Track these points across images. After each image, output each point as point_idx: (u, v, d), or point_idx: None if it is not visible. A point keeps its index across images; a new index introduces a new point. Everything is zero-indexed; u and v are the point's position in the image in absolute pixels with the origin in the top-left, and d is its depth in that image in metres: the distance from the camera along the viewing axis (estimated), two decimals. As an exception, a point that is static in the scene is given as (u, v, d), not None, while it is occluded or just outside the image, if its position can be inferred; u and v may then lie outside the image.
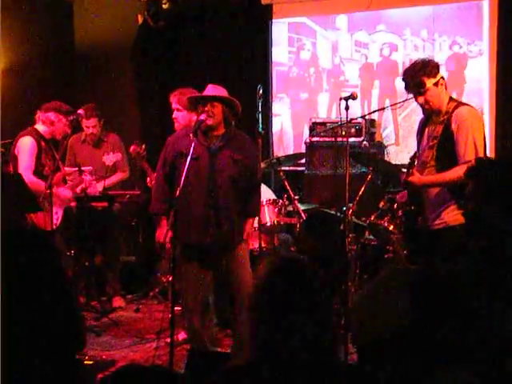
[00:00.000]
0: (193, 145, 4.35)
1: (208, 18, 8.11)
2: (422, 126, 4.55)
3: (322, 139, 6.96)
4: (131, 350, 5.36)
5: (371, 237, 5.79)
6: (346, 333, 4.39)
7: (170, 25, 8.31)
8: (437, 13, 7.36)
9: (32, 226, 5.45)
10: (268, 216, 5.83)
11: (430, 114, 4.44)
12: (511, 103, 6.94)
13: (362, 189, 5.78)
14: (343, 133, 5.66)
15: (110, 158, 6.18)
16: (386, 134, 7.51)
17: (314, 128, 7.16)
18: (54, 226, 5.70)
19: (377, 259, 5.70)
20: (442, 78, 4.36)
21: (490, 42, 7.07)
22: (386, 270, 1.79)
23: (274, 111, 8.15)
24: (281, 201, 6.13)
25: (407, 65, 4.56)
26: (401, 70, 7.26)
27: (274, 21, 8.08)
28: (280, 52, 8.15)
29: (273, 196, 6.24)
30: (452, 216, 4.26)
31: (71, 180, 5.96)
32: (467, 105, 4.44)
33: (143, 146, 5.82)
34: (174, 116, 5.33)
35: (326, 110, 7.93)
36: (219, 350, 5.09)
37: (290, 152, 7.76)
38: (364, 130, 6.89)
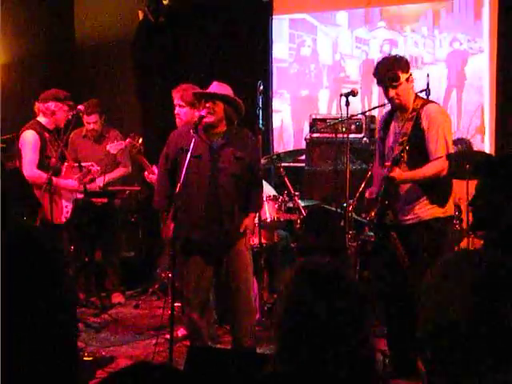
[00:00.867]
0: (193, 141, 4.36)
1: (208, 13, 8.10)
2: (385, 122, 4.61)
3: (322, 135, 6.96)
4: (131, 347, 5.36)
5: (371, 233, 5.79)
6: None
7: (171, 21, 8.30)
8: (437, 9, 7.35)
9: (41, 221, 5.39)
10: (268, 212, 5.83)
11: (393, 111, 4.51)
12: (511, 100, 6.94)
13: (362, 185, 5.77)
14: (343, 129, 5.67)
15: (114, 146, 6.10)
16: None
17: (315, 124, 7.16)
18: (65, 219, 5.69)
19: (376, 256, 5.69)
20: (411, 74, 4.44)
21: (490, 39, 7.06)
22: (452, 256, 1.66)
23: (274, 107, 8.15)
24: (281, 197, 6.13)
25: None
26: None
27: (274, 17, 8.07)
28: (280, 48, 8.14)
29: (273, 192, 6.24)
30: (425, 211, 4.40)
31: (76, 173, 5.93)
32: (434, 102, 4.57)
33: (139, 140, 5.80)
34: (176, 112, 5.33)
35: (326, 106, 7.93)
36: (219, 346, 5.10)
37: (291, 148, 7.75)
38: (364, 126, 6.89)
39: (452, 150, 4.49)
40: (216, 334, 5.31)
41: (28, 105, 6.13)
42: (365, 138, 6.82)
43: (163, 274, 6.62)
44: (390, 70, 4.35)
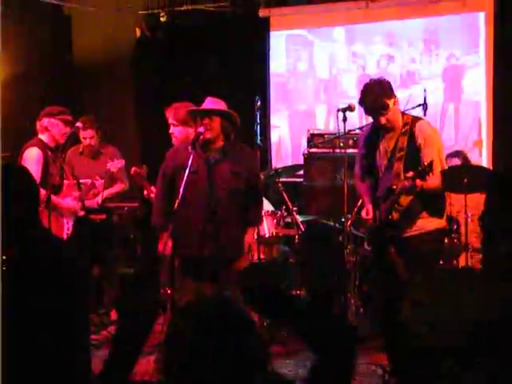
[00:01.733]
0: (191, 158, 4.37)
1: (206, 30, 8.14)
2: (370, 139, 4.65)
3: (320, 150, 6.96)
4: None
5: (370, 248, 5.79)
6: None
7: (168, 37, 8.34)
8: (433, 24, 7.39)
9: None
10: (266, 227, 5.83)
11: (378, 127, 4.57)
12: (508, 113, 6.96)
13: (360, 200, 5.78)
14: (341, 144, 5.68)
15: (114, 165, 6.10)
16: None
17: (312, 139, 7.16)
18: (66, 235, 5.68)
19: (375, 270, 5.68)
20: (396, 96, 4.50)
21: (486, 54, 7.09)
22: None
23: (272, 123, 8.17)
24: (279, 212, 6.13)
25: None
26: (398, 82, 7.30)
27: (271, 33, 8.10)
28: (278, 64, 8.17)
29: (271, 207, 6.24)
30: (427, 223, 4.52)
31: (75, 191, 5.92)
32: (422, 118, 4.66)
33: (144, 167, 5.82)
34: (170, 131, 5.33)
35: (323, 121, 7.94)
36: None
37: (289, 163, 7.75)
38: (362, 141, 6.89)
39: (445, 166, 4.63)
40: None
41: (26, 122, 6.14)
42: (362, 153, 6.82)
43: (162, 291, 6.60)
44: (376, 100, 4.38)
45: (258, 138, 5.51)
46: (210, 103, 4.64)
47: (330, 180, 6.59)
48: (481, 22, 7.13)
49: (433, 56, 7.39)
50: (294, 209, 6.24)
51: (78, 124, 5.75)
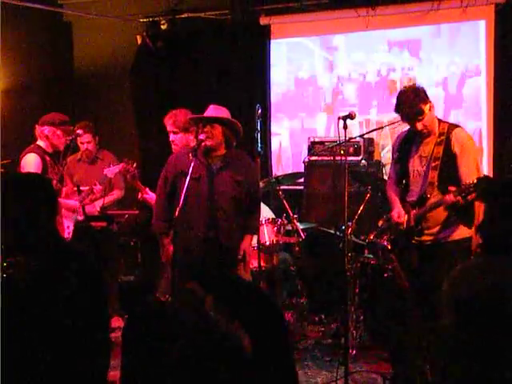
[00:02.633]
0: (192, 164, 4.37)
1: (207, 38, 8.15)
2: (405, 143, 4.66)
3: (320, 158, 6.97)
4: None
5: (370, 256, 5.79)
6: (346, 352, 4.38)
7: (169, 45, 8.36)
8: (434, 33, 7.40)
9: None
10: (267, 235, 5.83)
11: (412, 133, 4.61)
12: (509, 121, 6.96)
13: (361, 208, 5.79)
14: (342, 152, 5.68)
15: (111, 170, 6.10)
16: (385, 152, 7.52)
17: (313, 147, 7.18)
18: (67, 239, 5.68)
19: (376, 278, 5.68)
20: (431, 101, 4.57)
21: (487, 61, 7.10)
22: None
23: (272, 130, 8.17)
24: (280, 220, 6.13)
25: (405, 84, 4.66)
26: (399, 90, 7.31)
27: (272, 41, 8.11)
28: (278, 72, 8.18)
29: (272, 215, 6.24)
30: (455, 231, 4.55)
31: (75, 197, 5.92)
32: (458, 125, 4.70)
33: (134, 164, 5.80)
34: (171, 139, 5.32)
35: (324, 129, 7.95)
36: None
37: (289, 171, 7.76)
38: (362, 148, 6.90)
39: (482, 173, 4.71)
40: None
41: (27, 130, 6.15)
42: (363, 161, 6.83)
43: (162, 298, 6.59)
44: (412, 106, 4.45)
45: (259, 145, 5.50)
46: (213, 111, 4.64)
47: (331, 187, 6.59)
48: (481, 30, 7.14)
49: (433, 64, 7.40)
50: (295, 216, 6.24)
51: (79, 131, 5.76)
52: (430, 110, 4.49)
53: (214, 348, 1.44)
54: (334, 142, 6.18)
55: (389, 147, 7.55)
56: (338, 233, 5.83)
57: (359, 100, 7.73)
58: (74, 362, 2.04)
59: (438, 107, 7.21)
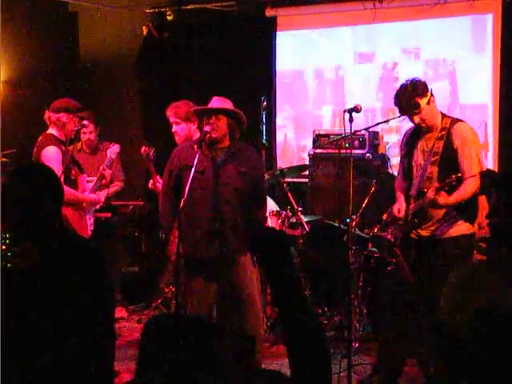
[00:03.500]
0: (197, 157, 4.36)
1: (212, 29, 8.14)
2: (410, 138, 4.66)
3: (325, 151, 6.96)
4: (134, 362, 5.32)
5: (374, 249, 5.79)
6: (349, 345, 4.39)
7: (175, 36, 8.35)
8: (440, 26, 7.37)
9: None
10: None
11: (419, 128, 4.58)
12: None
13: (366, 201, 5.78)
14: (347, 145, 5.68)
15: (113, 150, 6.03)
16: (390, 146, 7.51)
17: (318, 140, 7.17)
18: (90, 232, 5.68)
19: (380, 271, 5.69)
20: (432, 95, 4.52)
21: (493, 55, 7.07)
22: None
23: (277, 123, 8.16)
24: (284, 212, 6.14)
25: (411, 78, 4.62)
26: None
27: (278, 33, 8.10)
28: (284, 64, 8.17)
29: (276, 207, 6.24)
30: (454, 227, 4.48)
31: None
32: (461, 120, 4.64)
33: (152, 149, 5.83)
34: (173, 130, 5.32)
35: (329, 121, 7.94)
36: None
37: (294, 164, 7.75)
38: (368, 142, 6.89)
39: (484, 167, 4.61)
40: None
41: (32, 120, 6.14)
42: (368, 154, 6.82)
43: (166, 289, 6.61)
44: (409, 100, 4.43)
45: (264, 137, 5.50)
46: (217, 102, 4.63)
47: (336, 181, 6.59)
48: (488, 24, 7.11)
49: (439, 57, 7.38)
50: (299, 209, 6.24)
51: (85, 122, 5.71)
52: (428, 103, 4.44)
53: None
54: (339, 135, 6.18)
55: (394, 142, 7.55)
56: (342, 226, 5.84)
57: (365, 93, 7.71)
58: (78, 355, 2.05)
59: (445, 101, 7.21)
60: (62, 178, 5.44)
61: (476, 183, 4.40)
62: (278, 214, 6.04)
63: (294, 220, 6.28)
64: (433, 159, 4.43)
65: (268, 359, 5.06)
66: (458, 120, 4.61)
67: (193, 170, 4.32)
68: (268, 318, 5.87)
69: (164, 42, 8.32)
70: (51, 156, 5.46)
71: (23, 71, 7.73)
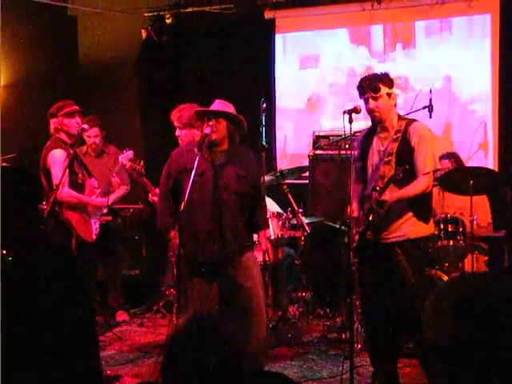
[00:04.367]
0: (197, 159, 4.36)
1: (211, 32, 8.15)
2: (365, 139, 4.66)
3: (325, 152, 6.97)
4: (136, 365, 5.34)
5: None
6: (352, 346, 4.39)
7: (174, 40, 8.36)
8: (440, 27, 7.38)
9: (76, 241, 5.41)
10: (272, 229, 5.83)
11: (374, 130, 4.55)
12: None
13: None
14: (346, 146, 5.68)
15: (126, 156, 6.01)
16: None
17: (318, 141, 7.17)
18: (94, 236, 5.69)
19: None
20: (395, 94, 4.52)
21: (492, 55, 7.09)
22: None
23: (277, 124, 8.17)
24: (285, 214, 6.14)
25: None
26: (404, 84, 7.31)
27: (277, 35, 8.11)
28: (283, 66, 8.18)
29: (278, 209, 6.24)
30: (412, 229, 4.43)
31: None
32: (417, 120, 4.60)
33: (141, 163, 5.81)
34: (177, 134, 5.33)
35: (329, 123, 7.94)
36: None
37: (294, 165, 7.76)
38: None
39: (439, 166, 4.63)
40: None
41: (32, 124, 6.15)
42: (368, 155, 6.81)
43: (168, 292, 6.61)
44: (371, 82, 4.44)
45: (264, 139, 5.50)
46: (219, 105, 4.64)
47: (336, 182, 6.59)
48: (487, 24, 7.12)
49: (440, 57, 7.39)
50: (300, 210, 6.24)
51: (85, 126, 5.69)
52: (389, 96, 4.42)
53: None
54: (338, 136, 6.19)
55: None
56: (342, 227, 5.83)
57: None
58: (58, 362, 2.04)
59: (444, 101, 7.23)
60: (68, 182, 5.48)
61: (428, 181, 4.38)
62: (278, 216, 6.04)
63: (295, 222, 6.28)
64: (386, 159, 4.40)
65: (270, 361, 5.06)
66: (414, 120, 4.57)
67: (193, 172, 4.33)
68: (270, 321, 5.86)
69: (163, 45, 8.32)
70: (56, 158, 5.50)
71: (23, 75, 7.73)
